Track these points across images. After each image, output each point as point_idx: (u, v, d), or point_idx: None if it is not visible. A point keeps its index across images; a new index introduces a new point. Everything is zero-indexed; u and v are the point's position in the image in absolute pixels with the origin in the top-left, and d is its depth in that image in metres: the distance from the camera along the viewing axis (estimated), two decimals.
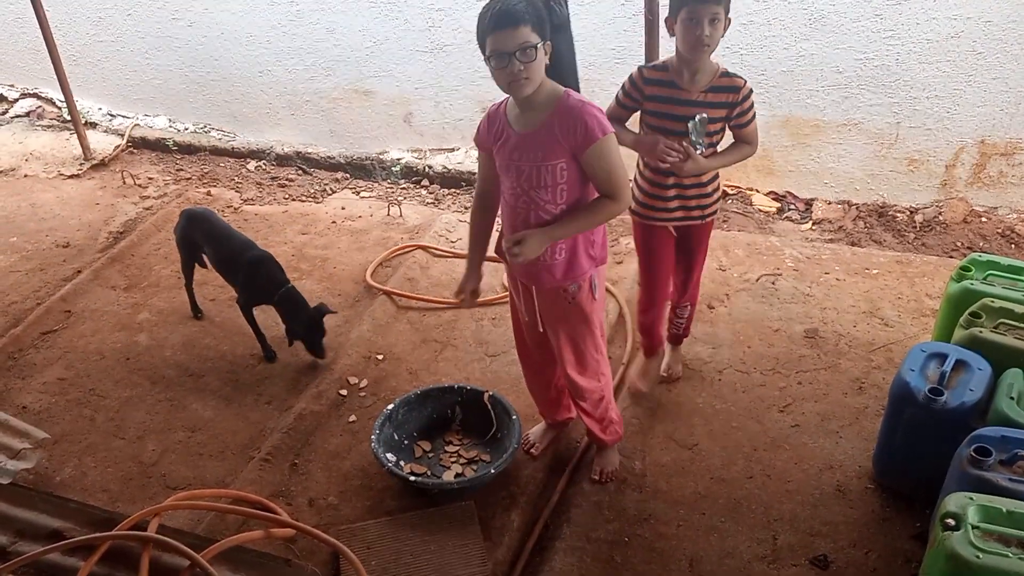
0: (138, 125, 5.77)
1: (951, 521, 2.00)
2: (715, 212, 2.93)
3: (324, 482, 2.96)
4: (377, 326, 3.73)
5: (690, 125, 2.63)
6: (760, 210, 4.53)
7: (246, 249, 3.47)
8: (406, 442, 3.02)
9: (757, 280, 3.91)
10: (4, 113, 6.10)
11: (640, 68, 2.75)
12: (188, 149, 5.56)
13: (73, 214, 4.81)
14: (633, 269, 4.00)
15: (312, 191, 5.06)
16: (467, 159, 5.05)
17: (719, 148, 2.78)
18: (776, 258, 4.06)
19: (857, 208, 4.45)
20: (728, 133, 2.78)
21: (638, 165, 2.91)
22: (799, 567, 2.56)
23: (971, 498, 2.05)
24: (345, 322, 3.76)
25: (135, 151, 5.60)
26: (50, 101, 6.09)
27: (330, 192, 5.04)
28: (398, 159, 5.19)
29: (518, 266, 2.49)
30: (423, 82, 5.08)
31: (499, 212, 2.58)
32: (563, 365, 2.66)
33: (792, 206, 4.56)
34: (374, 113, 5.30)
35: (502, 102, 2.42)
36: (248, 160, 5.43)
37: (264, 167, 5.36)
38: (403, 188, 5.05)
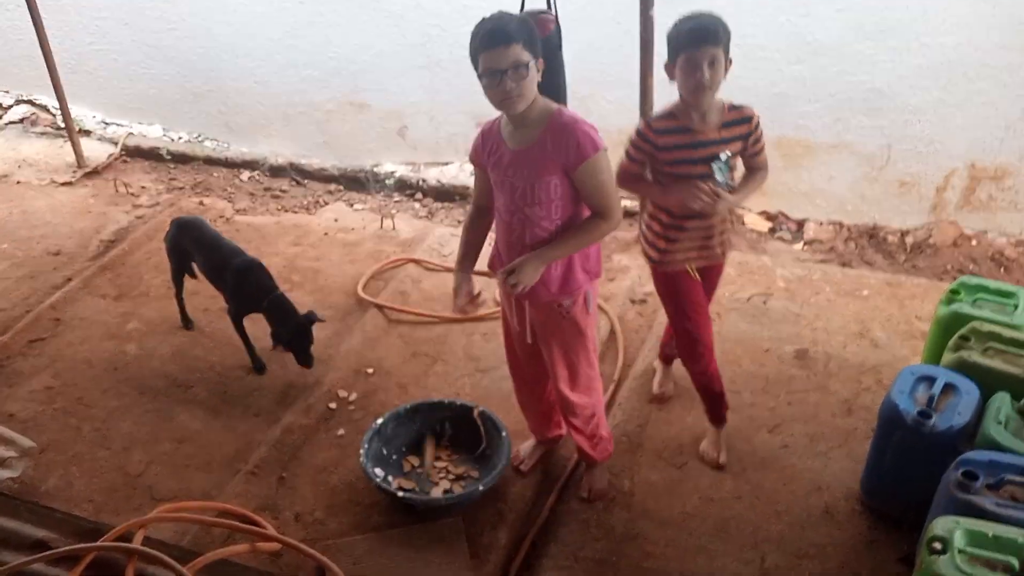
0: (132, 134, 5.75)
1: (938, 545, 2.01)
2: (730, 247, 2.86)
3: (311, 496, 2.95)
4: (368, 339, 3.73)
5: (714, 166, 2.58)
6: (752, 230, 4.55)
7: (235, 256, 3.47)
8: (395, 457, 3.01)
9: (748, 299, 3.92)
10: None
11: (646, 122, 2.65)
12: (182, 158, 5.54)
13: (65, 222, 4.79)
14: (626, 286, 4.01)
15: (305, 202, 5.05)
16: (461, 173, 5.06)
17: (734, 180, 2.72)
18: (767, 278, 4.07)
19: (848, 229, 4.47)
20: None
21: (646, 213, 2.83)
22: None
23: (958, 522, 2.05)
24: (335, 335, 3.75)
25: (129, 159, 5.57)
26: (44, 108, 6.06)
27: (323, 204, 5.04)
28: (392, 172, 5.19)
29: None
30: (418, 96, 5.09)
31: (493, 227, 2.58)
32: (555, 380, 2.65)
33: (784, 226, 4.58)
34: (368, 126, 5.30)
35: (496, 119, 2.44)
36: (241, 170, 5.42)
37: (257, 178, 5.35)
38: (396, 201, 5.06)
